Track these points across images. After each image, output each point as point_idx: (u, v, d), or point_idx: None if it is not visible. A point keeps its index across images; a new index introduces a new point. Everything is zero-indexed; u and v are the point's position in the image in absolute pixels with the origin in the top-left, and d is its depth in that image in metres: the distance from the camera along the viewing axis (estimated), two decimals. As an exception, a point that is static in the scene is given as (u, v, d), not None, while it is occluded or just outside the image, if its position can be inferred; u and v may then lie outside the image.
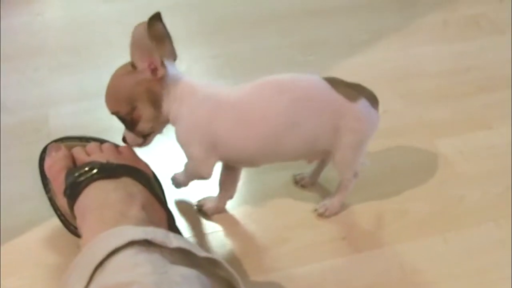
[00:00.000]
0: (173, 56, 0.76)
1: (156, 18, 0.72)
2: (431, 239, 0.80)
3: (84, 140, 0.84)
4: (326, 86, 0.74)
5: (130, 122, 0.76)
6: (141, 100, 0.74)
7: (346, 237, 0.81)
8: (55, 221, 0.82)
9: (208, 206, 0.85)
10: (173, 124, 0.76)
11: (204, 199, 0.86)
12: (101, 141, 0.82)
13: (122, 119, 0.76)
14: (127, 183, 0.72)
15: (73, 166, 0.76)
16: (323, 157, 0.83)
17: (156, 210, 0.72)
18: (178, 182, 0.85)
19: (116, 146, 0.80)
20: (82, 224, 0.69)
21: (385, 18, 1.29)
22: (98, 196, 0.69)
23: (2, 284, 0.76)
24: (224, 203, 0.85)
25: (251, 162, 0.79)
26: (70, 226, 0.79)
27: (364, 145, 0.77)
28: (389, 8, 1.33)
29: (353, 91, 0.74)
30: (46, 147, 0.81)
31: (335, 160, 0.77)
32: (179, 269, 0.56)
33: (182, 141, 0.76)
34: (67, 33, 1.27)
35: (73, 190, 0.71)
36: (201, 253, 0.60)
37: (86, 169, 0.72)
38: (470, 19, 1.27)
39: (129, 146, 0.79)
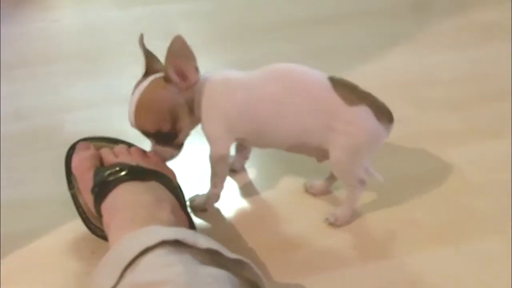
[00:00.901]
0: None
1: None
2: (441, 250, 0.80)
3: (112, 141, 0.86)
4: (326, 84, 0.75)
5: (169, 136, 0.78)
6: (182, 111, 0.76)
7: (355, 246, 0.81)
8: (71, 226, 0.83)
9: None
10: (198, 116, 0.79)
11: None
12: (129, 145, 0.85)
13: (163, 135, 0.77)
14: (156, 187, 0.74)
15: (101, 166, 0.79)
16: (322, 155, 0.82)
17: (181, 216, 0.74)
18: (197, 204, 0.86)
19: (144, 151, 0.82)
20: (110, 223, 0.70)
21: (397, 25, 1.29)
22: (129, 197, 0.71)
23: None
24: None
25: (257, 142, 0.82)
26: (91, 224, 0.80)
27: (360, 152, 0.77)
28: (402, 15, 1.33)
29: (355, 96, 0.75)
30: (74, 144, 0.83)
31: (331, 161, 0.78)
32: (210, 269, 0.58)
33: (205, 125, 0.79)
34: (82, 40, 1.29)
35: (102, 189, 0.73)
36: (230, 255, 0.61)
37: (117, 169, 0.74)
38: (484, 27, 1.26)
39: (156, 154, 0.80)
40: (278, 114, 0.76)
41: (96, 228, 0.80)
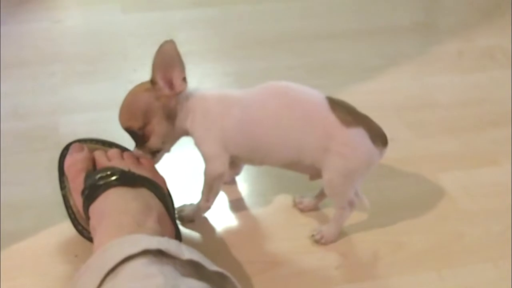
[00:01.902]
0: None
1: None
2: (425, 274, 0.79)
3: (106, 144, 0.86)
4: (323, 104, 0.75)
5: (141, 138, 0.79)
6: (156, 115, 0.78)
7: (339, 266, 0.80)
8: (57, 229, 0.83)
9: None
10: (191, 132, 0.80)
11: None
12: (123, 149, 0.85)
13: (133, 134, 0.79)
14: (145, 194, 0.74)
15: (93, 168, 0.79)
16: (316, 174, 0.81)
17: (167, 225, 0.74)
18: (185, 214, 0.86)
19: (137, 156, 0.82)
20: (97, 227, 0.70)
21: (399, 45, 1.29)
22: (117, 202, 0.71)
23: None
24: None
25: (252, 160, 0.82)
26: (79, 225, 0.81)
27: (354, 175, 0.76)
28: (404, 35, 1.33)
29: (352, 118, 0.75)
30: (69, 145, 0.84)
31: (324, 181, 0.78)
32: (190, 282, 0.58)
33: (199, 141, 0.79)
34: (84, 42, 1.29)
35: (92, 192, 0.73)
36: (212, 267, 0.61)
37: (108, 173, 0.74)
38: (485, 51, 1.26)
39: (150, 159, 0.81)
40: (274, 132, 0.76)
41: (83, 229, 0.80)
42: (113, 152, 0.82)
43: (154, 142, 0.79)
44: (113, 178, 0.73)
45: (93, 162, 0.81)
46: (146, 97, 0.77)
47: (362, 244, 0.84)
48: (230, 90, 0.81)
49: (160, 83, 0.76)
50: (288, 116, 0.75)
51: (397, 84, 1.16)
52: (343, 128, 0.74)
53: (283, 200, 0.90)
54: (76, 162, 0.80)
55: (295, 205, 0.89)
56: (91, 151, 0.83)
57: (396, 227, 0.86)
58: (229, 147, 0.79)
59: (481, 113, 1.10)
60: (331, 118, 0.74)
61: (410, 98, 1.13)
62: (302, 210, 0.89)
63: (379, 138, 0.76)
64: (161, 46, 0.72)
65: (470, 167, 0.97)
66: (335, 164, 0.75)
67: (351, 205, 0.81)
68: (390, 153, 0.97)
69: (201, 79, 1.15)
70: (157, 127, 0.78)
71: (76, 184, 0.77)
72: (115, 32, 1.31)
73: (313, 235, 0.83)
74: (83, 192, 0.74)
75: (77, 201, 0.78)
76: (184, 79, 0.76)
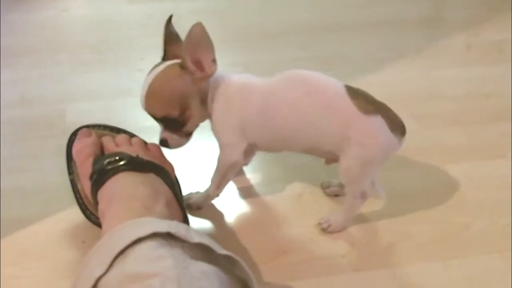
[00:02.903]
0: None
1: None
2: (432, 264, 0.79)
3: (114, 130, 0.86)
4: (343, 92, 0.75)
5: (180, 123, 0.77)
6: (194, 100, 0.76)
7: (346, 255, 0.80)
8: (65, 215, 0.84)
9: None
10: (211, 116, 0.79)
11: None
12: (130, 135, 0.85)
13: (170, 121, 0.77)
14: (153, 180, 0.74)
15: (101, 153, 0.79)
16: (332, 159, 0.82)
17: (175, 210, 0.74)
18: (193, 202, 0.86)
19: (145, 142, 0.82)
20: (106, 211, 0.70)
21: (407, 38, 1.28)
22: (126, 186, 0.72)
23: (6, 272, 0.77)
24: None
25: (270, 147, 0.82)
26: (87, 210, 0.81)
27: (372, 163, 0.76)
28: (413, 28, 1.32)
29: (371, 106, 0.74)
30: (77, 130, 0.84)
31: (340, 169, 0.77)
32: (199, 264, 0.58)
33: (217, 128, 0.79)
34: (90, 31, 1.29)
35: (100, 176, 0.73)
36: (221, 251, 0.61)
37: (116, 158, 0.74)
38: (494, 45, 1.26)
39: (158, 145, 0.81)
40: (294, 119, 0.76)
41: (91, 214, 0.80)
42: (121, 137, 0.82)
43: (191, 126, 0.78)
44: (121, 163, 0.73)
45: (101, 147, 0.81)
46: (182, 83, 0.74)
47: (369, 233, 0.84)
48: (252, 77, 0.80)
49: (191, 66, 0.74)
50: (308, 104, 0.75)
51: (404, 77, 1.16)
52: (362, 116, 0.73)
53: (291, 188, 0.91)
54: (84, 147, 0.80)
55: (323, 189, 0.89)
56: (99, 136, 0.83)
57: (403, 217, 0.86)
58: (248, 135, 0.78)
59: (488, 106, 1.10)
60: (350, 106, 0.74)
61: (417, 91, 1.13)
62: (327, 194, 0.89)
63: (398, 126, 0.75)
64: (190, 29, 0.70)
65: (477, 159, 0.97)
66: (353, 152, 0.75)
67: (363, 196, 0.81)
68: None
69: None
70: (195, 111, 0.77)
71: (84, 169, 0.78)
72: (121, 21, 1.31)
73: (319, 223, 0.84)
74: (91, 177, 0.74)
75: (85, 186, 0.78)
76: (214, 60, 0.74)
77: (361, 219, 0.85)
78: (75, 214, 0.81)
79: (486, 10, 1.38)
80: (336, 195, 0.89)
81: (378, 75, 1.16)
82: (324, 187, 0.90)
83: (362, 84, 1.12)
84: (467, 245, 0.82)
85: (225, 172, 0.82)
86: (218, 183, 0.83)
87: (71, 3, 1.39)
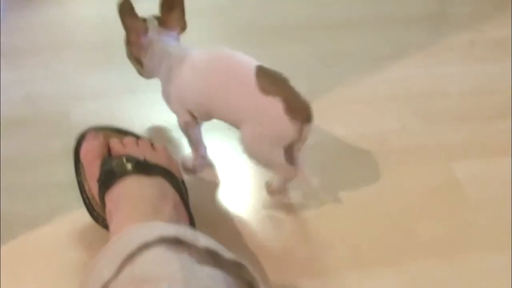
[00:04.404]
0: (180, 24, 0.88)
1: None
2: (436, 261, 0.80)
3: (122, 132, 0.87)
4: (252, 72, 0.79)
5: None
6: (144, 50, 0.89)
7: (351, 252, 0.81)
8: (72, 216, 0.84)
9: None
10: (160, 79, 0.90)
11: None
12: (137, 137, 0.86)
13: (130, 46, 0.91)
14: (161, 183, 0.75)
15: (109, 155, 0.81)
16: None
17: (182, 213, 0.75)
18: (186, 165, 0.93)
19: (152, 144, 0.83)
20: (114, 213, 0.72)
21: (411, 34, 1.28)
22: (133, 189, 0.73)
23: (11, 272, 0.78)
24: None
25: (202, 116, 0.88)
26: (94, 212, 0.82)
27: (263, 141, 0.79)
28: (416, 24, 1.32)
29: (273, 87, 0.78)
30: (84, 132, 0.85)
31: (240, 141, 0.82)
32: (206, 269, 0.58)
33: (164, 95, 0.89)
34: (96, 30, 1.29)
35: (108, 179, 0.74)
36: (228, 255, 0.62)
37: (124, 160, 0.76)
38: (497, 42, 1.25)
39: (165, 147, 0.85)
40: (214, 92, 0.82)
41: (98, 216, 0.81)
42: (128, 139, 0.83)
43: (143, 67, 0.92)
44: (129, 166, 0.75)
45: (109, 149, 0.82)
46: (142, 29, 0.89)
47: (374, 230, 0.85)
48: (191, 49, 0.87)
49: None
50: (222, 78, 0.81)
51: (407, 74, 1.16)
52: (259, 95, 0.77)
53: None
54: (92, 149, 0.81)
55: (266, 188, 0.90)
56: (107, 138, 0.84)
57: (407, 214, 0.87)
58: (184, 103, 0.87)
59: (492, 103, 1.10)
60: (252, 85, 0.78)
61: (420, 88, 1.13)
62: (270, 194, 0.90)
63: (298, 113, 0.77)
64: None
65: (481, 157, 0.97)
66: (247, 126, 0.79)
67: (286, 171, 0.84)
68: (401, 141, 0.99)
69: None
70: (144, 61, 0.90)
71: (92, 171, 0.79)
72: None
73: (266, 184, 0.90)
74: (99, 179, 0.75)
75: (93, 187, 0.79)
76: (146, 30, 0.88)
77: (364, 216, 0.86)
78: (82, 215, 0.82)
79: (490, 6, 1.37)
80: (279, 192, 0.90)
81: (381, 72, 1.16)
82: (267, 186, 0.90)
83: (365, 81, 1.14)
84: (472, 242, 0.83)
85: (188, 133, 0.90)
86: (191, 145, 0.92)
87: (78, 2, 1.39)
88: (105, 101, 1.08)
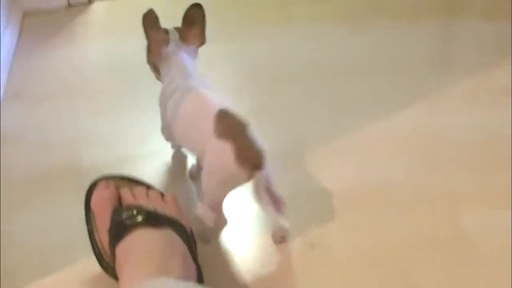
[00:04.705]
0: (200, 39, 0.96)
1: (197, 5, 0.93)
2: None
3: (132, 181, 0.89)
4: (213, 114, 0.84)
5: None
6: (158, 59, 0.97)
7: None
8: (84, 264, 0.85)
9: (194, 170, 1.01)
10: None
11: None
12: (148, 186, 0.88)
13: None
14: (170, 235, 0.77)
15: (119, 205, 0.82)
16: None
17: (190, 265, 0.76)
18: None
19: (162, 195, 0.85)
20: (124, 266, 0.73)
21: (417, 82, 1.30)
22: (143, 244, 0.74)
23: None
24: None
25: (177, 142, 0.99)
26: (104, 262, 0.82)
27: (211, 180, 0.84)
28: (423, 72, 1.34)
29: (228, 133, 0.81)
30: (96, 181, 0.87)
31: None
32: None
33: (159, 102, 0.98)
34: (108, 76, 1.32)
35: (119, 231, 0.76)
36: None
37: (134, 212, 0.77)
38: (503, 89, 1.26)
39: (174, 198, 0.86)
40: (181, 125, 0.91)
41: (108, 266, 0.81)
42: (138, 190, 0.85)
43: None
44: (139, 218, 0.76)
45: (119, 199, 0.84)
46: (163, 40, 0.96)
47: (379, 281, 0.84)
48: (192, 79, 0.92)
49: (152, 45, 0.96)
50: (190, 115, 0.89)
51: (413, 122, 1.17)
52: (213, 138, 0.82)
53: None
54: (103, 199, 0.83)
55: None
56: (117, 187, 0.85)
57: (410, 266, 0.86)
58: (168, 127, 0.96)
59: (498, 152, 1.10)
60: (210, 127, 0.82)
61: (428, 137, 1.14)
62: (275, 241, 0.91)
63: (246, 160, 0.79)
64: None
65: (489, 208, 0.97)
66: (204, 163, 0.85)
67: (216, 212, 0.87)
68: (407, 191, 1.00)
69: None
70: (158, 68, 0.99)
71: (103, 221, 0.80)
72: (139, 66, 1.33)
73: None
74: (109, 231, 0.76)
75: (103, 237, 0.80)
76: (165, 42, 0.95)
77: (364, 266, 0.85)
78: (91, 264, 0.83)
79: (495, 53, 1.39)
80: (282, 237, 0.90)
81: (388, 121, 1.17)
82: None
83: (372, 129, 1.15)
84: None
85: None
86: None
87: (89, 49, 1.43)
88: (117, 147, 1.10)
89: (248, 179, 0.81)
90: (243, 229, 0.93)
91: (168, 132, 1.00)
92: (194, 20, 0.94)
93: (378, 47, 1.45)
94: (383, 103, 1.23)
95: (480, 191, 1.01)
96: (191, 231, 0.83)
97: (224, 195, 0.85)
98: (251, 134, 0.82)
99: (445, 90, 1.26)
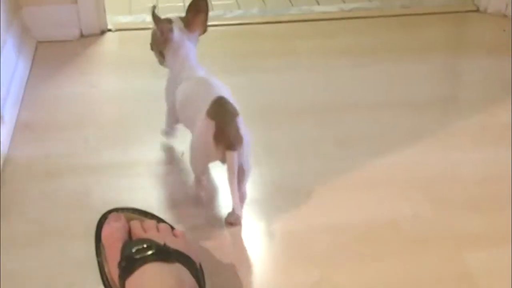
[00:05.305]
0: (203, 27, 1.09)
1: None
2: None
3: (143, 214, 0.91)
4: (211, 98, 0.95)
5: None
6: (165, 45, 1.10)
7: None
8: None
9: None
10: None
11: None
12: (158, 219, 0.90)
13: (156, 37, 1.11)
14: (179, 270, 0.78)
15: (129, 238, 0.83)
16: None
17: None
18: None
19: (172, 228, 0.86)
20: None
21: (423, 119, 1.31)
22: (153, 279, 0.75)
23: None
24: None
25: (180, 119, 1.10)
26: None
27: (194, 151, 0.99)
28: (429, 109, 1.35)
29: (214, 114, 0.93)
30: (106, 213, 0.88)
31: None
32: None
33: (166, 89, 1.12)
34: (118, 107, 1.34)
35: (129, 265, 0.76)
36: None
37: (144, 246, 0.78)
38: (509, 126, 1.26)
39: (183, 233, 0.87)
40: (185, 105, 1.04)
41: None
42: (149, 223, 0.86)
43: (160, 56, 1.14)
44: (149, 252, 0.77)
45: (129, 231, 0.85)
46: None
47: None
48: (195, 69, 1.06)
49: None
50: (194, 97, 1.01)
51: (419, 159, 1.18)
52: (204, 116, 0.94)
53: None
54: (113, 232, 0.84)
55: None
56: (128, 220, 0.86)
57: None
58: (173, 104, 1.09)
59: (504, 191, 1.09)
60: (204, 107, 0.94)
61: (433, 174, 1.14)
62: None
63: (223, 140, 0.92)
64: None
65: (494, 247, 0.97)
66: (192, 137, 0.99)
67: (198, 182, 1.04)
68: (412, 229, 1.00)
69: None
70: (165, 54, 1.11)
71: (113, 253, 0.81)
72: (148, 97, 1.35)
73: None
74: (119, 264, 0.77)
75: (113, 270, 0.81)
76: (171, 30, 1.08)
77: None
78: (99, 296, 0.83)
79: (501, 91, 1.41)
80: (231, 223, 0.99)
81: (394, 157, 1.18)
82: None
83: (378, 165, 1.16)
84: None
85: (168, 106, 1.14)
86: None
87: (100, 79, 1.44)
88: (126, 179, 1.11)
89: (222, 156, 0.93)
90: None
91: (172, 118, 1.12)
92: (200, 9, 1.06)
93: (384, 82, 1.47)
94: (389, 139, 1.24)
95: (484, 229, 1.01)
96: (200, 266, 0.84)
97: (203, 166, 1.01)
98: (237, 121, 0.94)
99: (452, 127, 1.27)
